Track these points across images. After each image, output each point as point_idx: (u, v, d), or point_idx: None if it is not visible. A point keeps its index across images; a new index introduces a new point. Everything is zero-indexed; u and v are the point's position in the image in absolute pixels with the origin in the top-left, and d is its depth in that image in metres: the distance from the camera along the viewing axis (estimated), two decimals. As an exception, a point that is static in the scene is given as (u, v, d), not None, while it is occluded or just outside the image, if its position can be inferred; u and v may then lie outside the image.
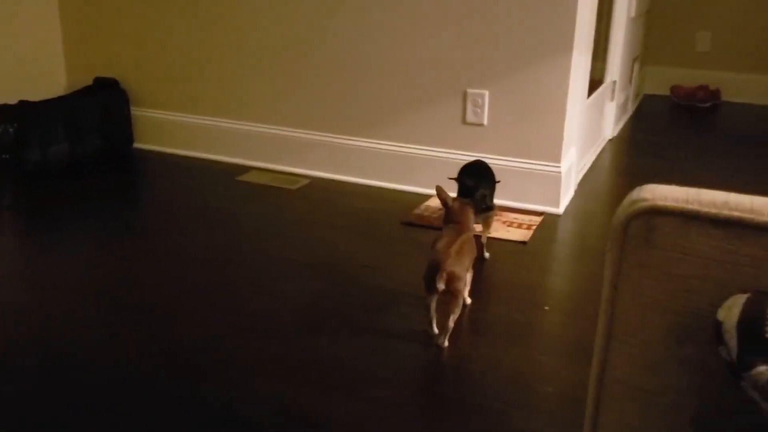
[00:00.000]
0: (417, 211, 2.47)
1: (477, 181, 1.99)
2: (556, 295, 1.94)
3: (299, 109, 2.83)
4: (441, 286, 1.54)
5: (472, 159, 2.18)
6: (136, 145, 3.19)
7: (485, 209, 1.98)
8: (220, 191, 2.69)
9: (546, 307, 1.85)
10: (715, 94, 4.32)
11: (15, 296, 1.89)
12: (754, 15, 4.28)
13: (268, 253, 2.15)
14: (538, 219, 2.41)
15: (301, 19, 2.71)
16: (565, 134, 2.43)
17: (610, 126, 3.50)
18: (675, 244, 0.53)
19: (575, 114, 2.52)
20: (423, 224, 2.36)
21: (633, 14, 3.48)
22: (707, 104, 4.30)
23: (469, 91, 2.49)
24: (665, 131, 3.83)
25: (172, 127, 3.10)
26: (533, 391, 1.50)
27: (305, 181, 2.80)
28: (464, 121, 2.54)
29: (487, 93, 2.47)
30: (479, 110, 2.50)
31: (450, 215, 1.81)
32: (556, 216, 2.47)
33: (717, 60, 4.43)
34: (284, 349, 1.64)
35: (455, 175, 2.07)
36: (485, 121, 2.50)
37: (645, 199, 0.56)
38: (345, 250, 2.18)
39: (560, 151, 2.43)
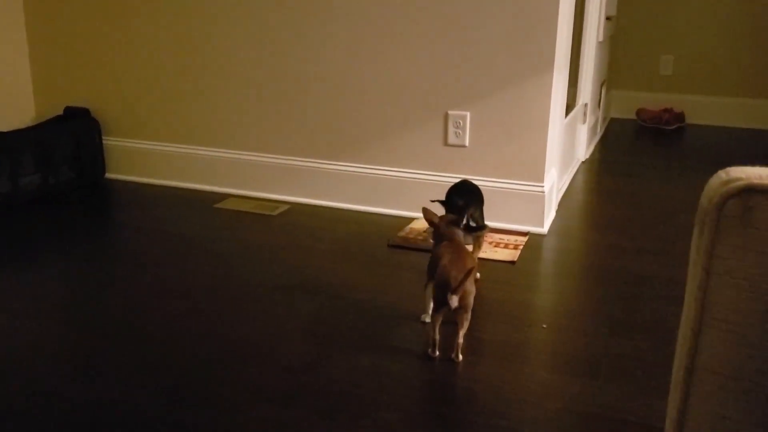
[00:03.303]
0: (402, 233, 2.45)
1: (466, 200, 1.98)
2: (552, 312, 1.93)
3: (277, 135, 2.80)
4: (455, 303, 1.52)
5: (458, 180, 2.17)
6: (109, 175, 3.12)
7: (476, 228, 1.96)
8: (197, 220, 2.63)
9: (544, 325, 1.83)
10: (679, 116, 4.43)
11: (-10, 331, 1.80)
12: (715, 39, 4.43)
13: (253, 280, 2.10)
14: (523, 239, 2.40)
15: (278, 44, 2.70)
16: (548, 154, 2.44)
17: (583, 148, 3.55)
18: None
19: (556, 134, 2.54)
20: (409, 246, 2.34)
21: (601, 38, 3.56)
22: (672, 126, 4.41)
23: (450, 112, 2.50)
24: (634, 153, 3.90)
25: (146, 156, 3.03)
26: (541, 408, 1.47)
27: (285, 207, 2.75)
28: (446, 143, 2.54)
29: (468, 114, 2.48)
30: (460, 132, 2.50)
31: (439, 234, 1.79)
32: (541, 235, 2.47)
33: (680, 83, 4.56)
34: (283, 375, 1.58)
35: (439, 197, 2.06)
36: (467, 143, 2.51)
37: (740, 179, 0.54)
38: (332, 274, 2.14)
39: (543, 171, 2.45)
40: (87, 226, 2.59)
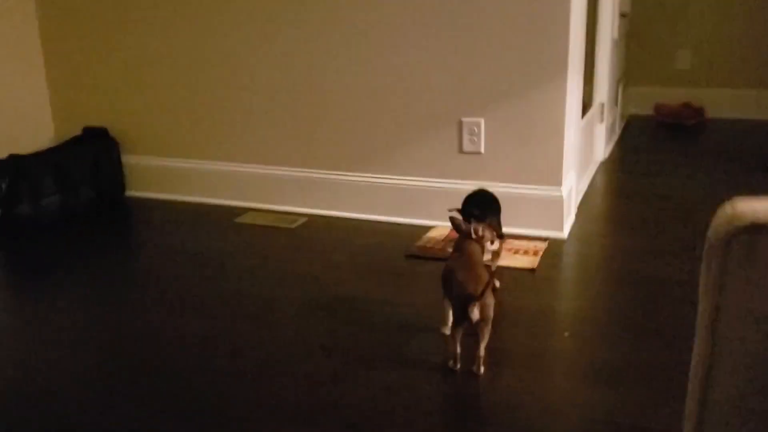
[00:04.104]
0: (419, 243, 2.45)
1: (483, 210, 1.97)
2: (573, 320, 1.91)
3: (294, 148, 2.81)
4: (476, 316, 1.52)
5: (475, 188, 2.16)
6: (129, 192, 3.15)
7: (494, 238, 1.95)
8: (218, 235, 2.65)
9: (566, 333, 1.81)
10: (699, 111, 4.37)
11: (8, 352, 1.82)
12: (731, 30, 4.37)
13: (274, 294, 2.11)
14: (543, 245, 2.39)
15: (293, 57, 2.71)
16: (565, 157, 2.42)
17: (601, 148, 3.52)
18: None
19: (572, 137, 2.52)
20: (427, 256, 2.33)
21: (615, 36, 3.53)
22: (693, 122, 4.35)
23: (465, 119, 2.49)
24: (653, 151, 3.86)
25: (165, 173, 3.06)
26: (566, 417, 1.46)
27: (303, 220, 2.76)
28: (461, 150, 2.53)
29: (482, 121, 2.47)
30: (475, 138, 2.49)
31: (463, 243, 1.78)
32: (561, 240, 2.45)
33: (698, 77, 4.50)
34: (305, 391, 1.59)
35: (455, 205, 2.05)
36: (482, 149, 2.50)
37: (746, 214, 0.53)
38: (351, 286, 2.14)
39: (561, 175, 2.43)
40: (108, 245, 2.62)
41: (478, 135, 2.48)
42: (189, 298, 2.12)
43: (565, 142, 2.41)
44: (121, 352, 1.80)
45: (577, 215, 2.70)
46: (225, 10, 2.76)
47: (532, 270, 2.21)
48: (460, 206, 2.13)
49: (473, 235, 1.76)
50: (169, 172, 3.05)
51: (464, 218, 1.96)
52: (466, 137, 2.50)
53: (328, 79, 2.67)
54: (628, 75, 4.52)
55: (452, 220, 1.82)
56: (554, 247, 2.39)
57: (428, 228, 2.58)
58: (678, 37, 4.50)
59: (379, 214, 2.71)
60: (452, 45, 2.44)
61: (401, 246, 2.44)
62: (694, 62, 4.50)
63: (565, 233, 2.48)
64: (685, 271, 2.18)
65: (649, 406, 1.49)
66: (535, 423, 1.45)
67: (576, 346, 1.76)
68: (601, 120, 3.44)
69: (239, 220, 2.80)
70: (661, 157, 3.69)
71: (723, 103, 4.43)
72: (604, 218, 2.74)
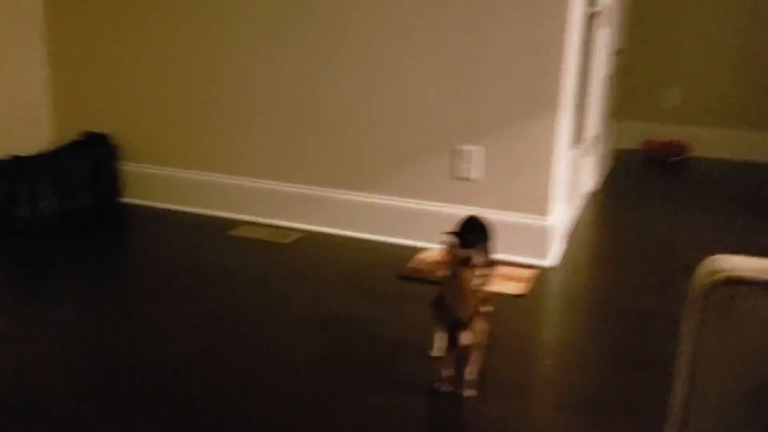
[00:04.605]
0: (411, 264, 2.50)
1: (476, 236, 2.03)
2: (558, 348, 1.96)
3: (291, 163, 2.87)
4: (466, 340, 1.57)
5: (466, 213, 2.22)
6: (126, 199, 3.18)
7: (485, 265, 2.01)
8: (212, 247, 2.69)
9: (548, 361, 1.87)
10: (686, 148, 4.48)
11: (2, 356, 1.85)
12: (722, 71, 4.49)
13: (266, 310, 2.15)
14: (530, 272, 2.45)
15: (294, 74, 2.77)
16: (552, 188, 2.50)
17: (591, 180, 3.60)
18: (754, 313, 0.56)
19: (561, 169, 2.60)
20: (419, 278, 2.38)
21: (609, 72, 3.62)
22: (679, 158, 4.46)
23: (458, 147, 2.56)
24: (641, 185, 3.95)
25: (162, 182, 3.10)
26: (545, 445, 1.51)
27: (297, 235, 2.81)
28: (454, 176, 2.60)
29: (475, 149, 2.54)
30: (468, 165, 2.56)
31: (455, 268, 1.83)
32: (548, 269, 2.51)
33: (686, 115, 4.61)
34: (298, 408, 1.63)
35: (447, 228, 2.11)
36: (474, 176, 2.56)
37: (724, 270, 0.59)
38: (343, 306, 2.18)
39: (547, 205, 2.50)
40: (102, 252, 2.65)
41: (470, 162, 2.55)
42: (181, 310, 2.15)
43: (553, 173, 2.48)
44: (113, 363, 1.83)
45: (565, 244, 2.77)
46: (229, 26, 2.82)
47: (520, 296, 2.26)
48: (452, 230, 2.19)
49: (467, 263, 1.82)
50: (166, 181, 3.09)
51: (458, 243, 2.01)
52: (459, 163, 2.57)
53: (328, 97, 2.73)
54: (619, 109, 4.62)
55: (449, 246, 1.87)
56: (541, 274, 2.46)
57: (419, 249, 2.63)
58: (668, 75, 4.62)
59: (372, 233, 2.76)
60: (450, 74, 2.52)
61: (393, 266, 2.49)
62: (683, 100, 4.62)
63: (551, 261, 2.54)
64: (669, 306, 2.25)
65: (627, 434, 1.55)
66: (517, 446, 1.50)
67: (559, 374, 1.81)
68: (592, 153, 3.53)
69: (233, 232, 2.84)
70: (648, 191, 3.79)
71: (709, 142, 4.54)
72: (591, 249, 2.81)
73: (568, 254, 2.68)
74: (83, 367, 1.79)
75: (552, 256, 2.56)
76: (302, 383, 1.73)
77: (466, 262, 1.83)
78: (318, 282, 2.37)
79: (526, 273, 2.43)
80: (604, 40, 3.39)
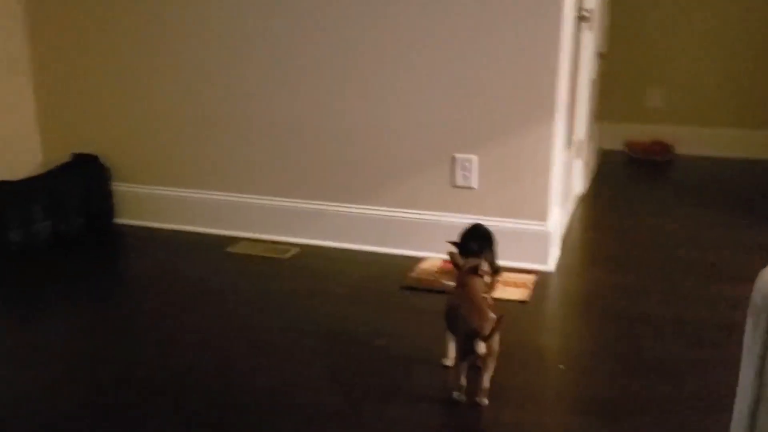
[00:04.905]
0: (413, 274, 2.51)
1: (481, 244, 2.05)
2: (566, 353, 1.98)
3: (287, 178, 2.86)
4: (483, 350, 1.58)
5: (468, 221, 2.24)
6: (119, 220, 3.15)
7: (492, 272, 2.03)
8: (209, 264, 2.68)
9: (561, 366, 1.89)
10: (668, 148, 4.55)
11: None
12: (704, 71, 4.58)
13: (269, 327, 2.14)
14: (532, 277, 2.47)
15: (287, 88, 2.77)
16: (551, 193, 2.52)
17: (579, 183, 3.64)
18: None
19: (557, 172, 2.63)
20: (423, 288, 2.39)
21: (594, 76, 3.68)
22: (663, 158, 4.53)
23: (458, 155, 2.58)
24: (626, 186, 4.01)
25: (156, 201, 3.08)
26: (567, 451, 1.53)
27: (296, 250, 2.80)
28: (454, 185, 2.61)
29: (475, 157, 2.56)
30: (468, 174, 2.58)
31: (459, 279, 1.85)
32: (548, 273, 2.54)
33: (669, 115, 4.69)
34: (306, 426, 1.62)
35: (448, 238, 2.13)
36: (474, 184, 2.58)
37: None
38: (348, 319, 2.18)
39: (547, 210, 2.53)
40: (99, 273, 2.62)
41: (470, 170, 2.57)
42: (182, 328, 2.14)
43: (551, 178, 2.51)
44: (113, 382, 1.82)
45: (561, 249, 2.80)
46: (220, 41, 2.82)
47: (523, 302, 2.28)
48: (455, 239, 2.21)
49: (472, 271, 1.83)
50: (160, 201, 3.07)
51: (463, 252, 2.03)
52: (459, 172, 2.59)
53: (323, 111, 2.74)
54: (601, 111, 4.69)
55: (451, 256, 1.89)
56: (543, 280, 2.48)
57: (420, 259, 2.64)
58: (650, 76, 4.70)
59: (371, 245, 2.77)
60: (447, 83, 2.54)
61: (395, 277, 2.50)
62: (665, 100, 4.69)
63: (551, 266, 2.57)
64: (668, 305, 2.28)
65: (645, 436, 1.57)
66: (539, 453, 1.51)
67: (571, 380, 1.83)
68: (580, 156, 3.57)
69: (230, 249, 2.83)
70: (636, 192, 3.84)
71: (692, 140, 4.62)
72: (586, 252, 2.84)
73: (565, 258, 2.71)
74: (84, 386, 1.77)
75: (551, 260, 2.58)
76: (315, 399, 1.73)
77: (474, 270, 1.85)
78: (320, 296, 2.37)
79: (528, 278, 2.46)
80: (590, 42, 3.44)
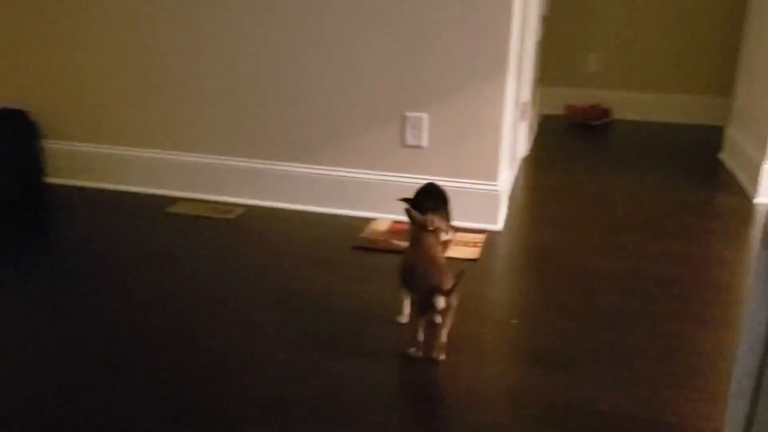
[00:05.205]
0: (364, 234, 2.48)
1: (435, 203, 2.03)
2: (519, 308, 2.01)
3: (231, 136, 2.76)
4: (442, 304, 1.57)
5: (418, 181, 2.22)
6: (51, 180, 2.98)
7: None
8: (150, 225, 2.57)
9: (514, 321, 1.91)
10: (606, 112, 4.65)
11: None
12: (640, 36, 4.67)
13: (220, 288, 2.08)
14: (481, 236, 2.48)
15: (232, 42, 2.66)
16: (501, 153, 2.53)
17: (523, 145, 3.68)
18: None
19: (507, 133, 2.63)
20: (374, 248, 2.37)
21: (538, 38, 3.69)
22: (600, 122, 4.62)
23: (408, 114, 2.55)
24: (567, 148, 4.07)
25: (90, 159, 2.93)
26: (527, 402, 1.55)
27: (241, 211, 2.73)
28: (404, 144, 2.58)
29: (425, 116, 2.53)
30: (418, 132, 2.55)
31: (416, 235, 1.83)
32: (497, 233, 2.56)
33: (607, 80, 4.78)
34: (266, 384, 1.59)
35: (397, 197, 2.10)
36: (425, 144, 2.56)
37: None
38: (300, 280, 2.14)
39: (497, 170, 2.53)
40: (32, 238, 2.48)
41: (421, 129, 2.54)
42: (131, 293, 2.05)
43: (502, 138, 2.51)
44: (69, 354, 1.73)
45: (508, 209, 2.82)
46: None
47: (474, 260, 2.29)
48: (408, 197, 2.18)
49: (429, 227, 1.82)
50: (95, 159, 2.92)
51: (417, 211, 2.01)
52: (409, 131, 2.56)
53: (270, 67, 2.64)
54: (541, 76, 4.73)
55: (407, 212, 1.87)
56: (492, 239, 2.49)
57: (370, 220, 2.61)
58: (588, 41, 4.76)
59: (319, 206, 2.72)
60: (397, 41, 2.49)
61: (345, 238, 2.46)
62: (603, 65, 4.77)
63: (500, 226, 2.59)
64: (613, 260, 2.33)
65: (600, 388, 1.60)
66: (494, 408, 1.53)
67: (525, 334, 1.86)
68: (524, 118, 3.60)
69: (171, 209, 2.72)
70: (576, 155, 3.91)
71: (628, 105, 4.73)
72: (532, 212, 2.88)
73: (512, 218, 2.73)
74: (36, 361, 1.68)
75: (500, 220, 2.60)
76: (274, 359, 1.69)
77: (427, 227, 1.83)
78: (269, 257, 2.31)
79: (477, 238, 2.47)
80: (536, 4, 3.44)
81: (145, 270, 2.19)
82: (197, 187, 2.84)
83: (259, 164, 2.75)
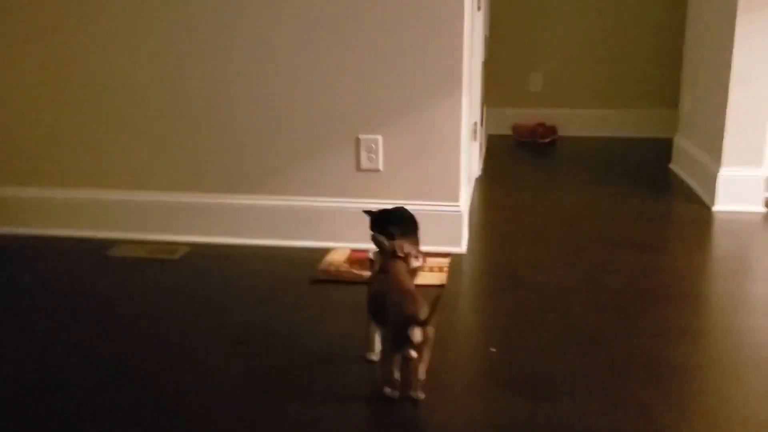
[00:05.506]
0: (322, 266, 2.32)
1: (404, 228, 1.91)
2: (494, 335, 1.88)
3: (169, 170, 2.58)
4: (419, 338, 1.43)
5: (389, 206, 2.09)
6: (-29, 228, 2.72)
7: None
8: (90, 271, 2.36)
9: (492, 349, 1.78)
10: (552, 130, 4.65)
11: None
12: (581, 54, 4.71)
13: (170, 333, 1.89)
14: (446, 260, 2.36)
15: (166, 63, 2.49)
16: (462, 172, 2.43)
17: (476, 165, 3.60)
18: None
19: (465, 153, 2.54)
20: (333, 279, 2.22)
21: (483, 58, 3.64)
22: (547, 140, 4.61)
23: (362, 136, 2.42)
24: (517, 166, 4.04)
25: (16, 204, 2.68)
26: (519, 438, 1.41)
27: (186, 250, 2.53)
28: (359, 168, 2.45)
29: (380, 137, 2.41)
30: (373, 156, 2.43)
31: (386, 260, 1.70)
32: (461, 255, 2.44)
33: (550, 98, 4.79)
34: (244, 428, 1.41)
35: (355, 225, 1.97)
36: (380, 166, 2.44)
37: None
38: (256, 318, 1.97)
39: (458, 190, 2.43)
40: (-47, 290, 2.23)
41: (376, 152, 2.42)
42: (71, 343, 1.83)
43: (461, 158, 2.41)
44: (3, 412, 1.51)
45: (468, 230, 2.72)
46: (96, 18, 2.49)
47: (441, 286, 2.16)
48: (372, 210, 2.05)
49: (399, 253, 1.69)
50: (21, 203, 2.68)
51: (385, 236, 1.87)
52: (364, 154, 2.43)
53: (210, 90, 2.48)
54: (487, 96, 4.70)
55: (374, 238, 1.74)
56: (457, 262, 2.38)
57: (327, 250, 2.46)
58: (531, 61, 4.77)
59: (271, 239, 2.55)
60: (348, 61, 2.37)
61: (301, 271, 2.30)
62: (546, 84, 4.79)
63: (463, 248, 2.47)
64: (582, 277, 2.24)
65: (593, 414, 1.48)
66: (490, 444, 1.39)
67: (505, 361, 1.73)
68: (475, 138, 3.53)
69: (111, 253, 2.51)
70: (528, 173, 3.87)
71: (573, 122, 4.74)
72: (493, 232, 2.78)
73: (473, 239, 2.62)
74: (-45, 432, 1.45)
75: (464, 242, 2.49)
76: (232, 407, 1.51)
77: (397, 254, 1.70)
78: (221, 297, 2.13)
79: (442, 262, 2.34)
80: (480, 25, 3.40)
81: (82, 317, 1.98)
82: (136, 228, 2.63)
83: (202, 198, 2.57)
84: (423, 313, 1.46)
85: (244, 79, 2.44)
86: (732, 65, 2.83)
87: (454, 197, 2.43)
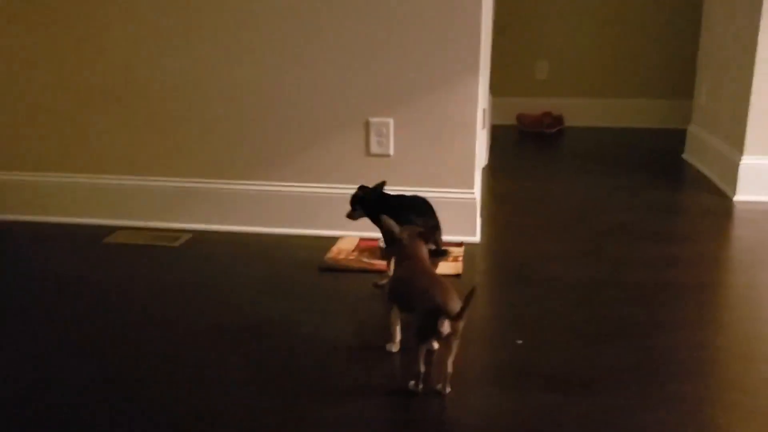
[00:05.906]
0: (330, 255, 2.22)
1: (425, 219, 1.81)
2: (519, 327, 1.78)
3: (172, 154, 2.46)
4: (447, 329, 1.33)
5: (411, 193, 2.00)
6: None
7: (439, 253, 1.81)
8: (89, 258, 2.25)
9: (519, 341, 1.68)
10: (559, 119, 4.54)
11: None
12: (588, 42, 4.61)
13: (174, 324, 1.78)
14: (460, 249, 2.26)
15: (178, 52, 2.37)
16: (477, 158, 2.33)
17: (483, 154, 3.50)
18: None
19: (480, 138, 2.44)
20: (343, 268, 2.11)
21: (490, 44, 3.54)
22: (553, 130, 4.51)
23: (372, 120, 2.31)
24: (524, 157, 3.95)
25: (14, 190, 2.56)
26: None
27: (187, 237, 2.42)
28: (368, 153, 2.34)
29: (391, 121, 2.30)
30: (384, 140, 2.32)
31: (401, 250, 1.60)
32: (476, 244, 2.34)
33: (556, 87, 4.68)
34: (258, 428, 1.31)
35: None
36: (391, 151, 2.33)
37: None
38: (266, 310, 1.86)
39: (473, 177, 2.33)
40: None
41: (387, 136, 2.31)
42: (73, 335, 1.72)
43: (477, 143, 2.31)
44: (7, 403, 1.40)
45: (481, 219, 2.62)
46: (103, 3, 2.37)
47: (457, 276, 2.06)
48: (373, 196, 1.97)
49: (424, 238, 1.59)
50: (18, 188, 2.56)
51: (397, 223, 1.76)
52: (374, 139, 2.32)
53: (216, 72, 2.37)
54: (492, 86, 4.60)
55: (384, 221, 1.64)
56: (472, 252, 2.28)
57: (336, 238, 2.35)
58: (536, 49, 4.67)
59: (277, 227, 2.44)
60: (358, 37, 2.26)
61: (309, 260, 2.19)
62: (552, 73, 4.68)
63: (477, 237, 2.37)
64: (601, 270, 2.14)
65: (624, 411, 1.39)
66: (524, 443, 1.29)
67: (532, 355, 1.63)
68: (483, 126, 3.42)
69: (110, 240, 2.39)
70: (534, 163, 3.78)
71: (580, 111, 4.64)
72: (505, 222, 2.68)
73: (487, 228, 2.52)
74: (-57, 429, 1.34)
75: (478, 231, 2.39)
76: (246, 408, 1.40)
77: (422, 238, 1.61)
78: (225, 287, 2.02)
79: (457, 251, 2.24)
80: (489, 11, 3.29)
81: (82, 306, 1.87)
82: (136, 215, 2.51)
83: (206, 184, 2.46)
84: (455, 304, 1.36)
85: (251, 60, 2.33)
86: (756, 51, 2.73)
87: (469, 184, 2.32)
